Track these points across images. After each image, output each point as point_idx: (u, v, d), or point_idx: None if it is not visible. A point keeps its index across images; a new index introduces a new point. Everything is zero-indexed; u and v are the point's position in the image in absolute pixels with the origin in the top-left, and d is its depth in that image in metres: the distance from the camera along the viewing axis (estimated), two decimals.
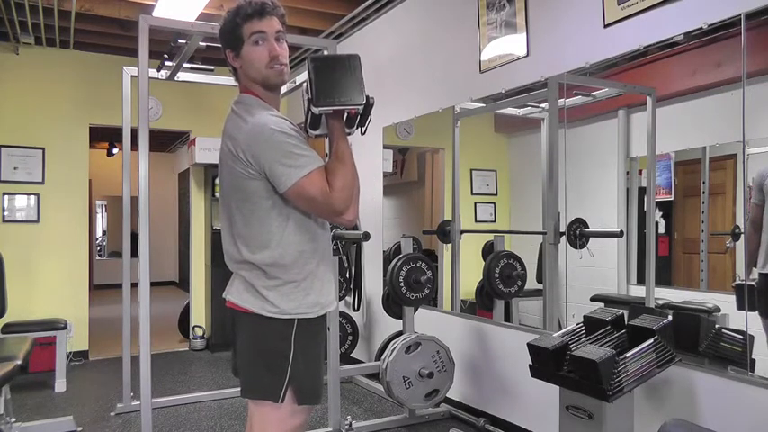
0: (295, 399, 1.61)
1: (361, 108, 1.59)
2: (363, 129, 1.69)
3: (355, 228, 4.47)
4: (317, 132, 1.71)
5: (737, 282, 2.44)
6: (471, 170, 4.01)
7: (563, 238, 3.00)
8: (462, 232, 3.82)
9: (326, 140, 3.41)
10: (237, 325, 1.67)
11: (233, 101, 1.71)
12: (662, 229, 2.88)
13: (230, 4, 4.83)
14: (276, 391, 1.59)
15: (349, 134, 1.68)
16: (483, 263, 3.52)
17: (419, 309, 3.74)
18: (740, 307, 2.29)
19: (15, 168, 4.99)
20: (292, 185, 1.54)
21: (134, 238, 3.65)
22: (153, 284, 2.90)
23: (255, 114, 1.60)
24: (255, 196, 1.59)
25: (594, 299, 2.99)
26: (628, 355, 2.04)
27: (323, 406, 3.40)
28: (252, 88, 1.69)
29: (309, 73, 1.58)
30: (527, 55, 3.10)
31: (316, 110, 1.57)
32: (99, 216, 10.98)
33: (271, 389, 1.59)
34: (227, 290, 1.71)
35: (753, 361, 2.18)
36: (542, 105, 3.31)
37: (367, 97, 1.59)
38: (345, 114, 1.62)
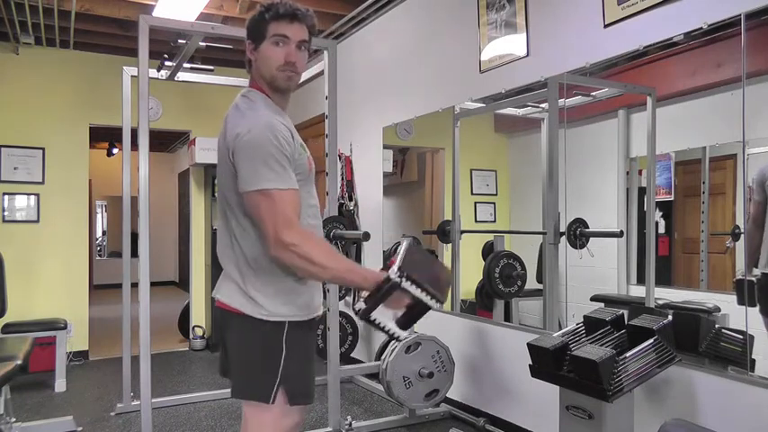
0: (286, 399, 1.61)
1: (383, 292, 1.48)
2: (362, 311, 1.52)
3: (355, 228, 4.48)
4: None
5: (738, 278, 2.44)
6: (471, 170, 4.01)
7: (563, 238, 3.00)
8: (462, 232, 3.82)
9: (326, 142, 3.41)
10: (228, 325, 1.66)
11: (240, 93, 1.70)
12: (662, 229, 2.88)
13: (230, 4, 4.81)
14: (267, 392, 1.59)
15: (358, 307, 1.53)
16: (483, 263, 3.52)
17: None
18: (740, 302, 2.29)
19: (15, 168, 4.99)
20: (255, 190, 1.50)
21: (134, 238, 3.65)
22: (153, 284, 2.90)
23: (256, 111, 1.59)
24: None
25: (594, 299, 2.98)
26: (628, 355, 2.04)
27: (323, 406, 3.41)
28: (261, 84, 1.69)
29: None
30: (527, 55, 3.10)
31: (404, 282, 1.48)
32: (99, 216, 10.98)
33: (262, 389, 1.59)
34: (216, 289, 1.70)
35: (753, 361, 2.18)
36: (542, 105, 3.31)
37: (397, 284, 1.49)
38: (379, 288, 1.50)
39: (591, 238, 3.03)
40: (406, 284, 1.48)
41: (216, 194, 5.63)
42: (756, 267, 2.33)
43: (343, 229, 3.52)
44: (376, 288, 1.49)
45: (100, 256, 10.86)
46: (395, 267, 1.48)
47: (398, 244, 3.84)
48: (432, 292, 1.51)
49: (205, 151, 5.41)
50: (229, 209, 1.63)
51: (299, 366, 1.63)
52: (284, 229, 1.48)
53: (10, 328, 4.25)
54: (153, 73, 3.69)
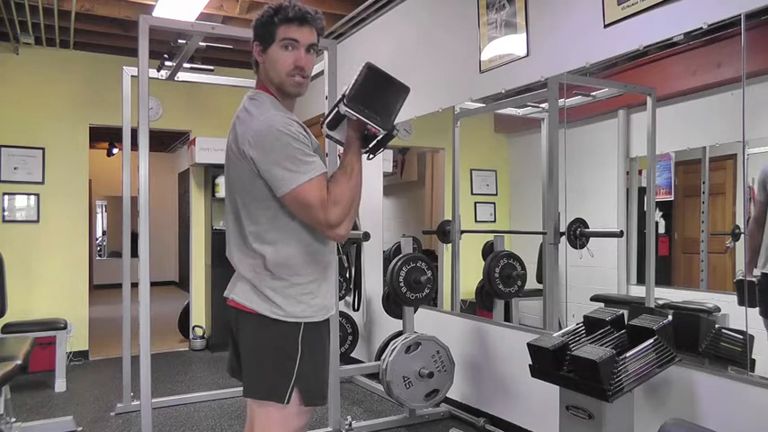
0: (301, 399, 1.61)
1: (381, 134, 1.60)
2: (373, 155, 1.71)
3: (355, 228, 4.48)
4: (332, 134, 1.70)
5: (738, 278, 2.44)
6: (471, 170, 4.01)
7: (563, 238, 3.00)
8: (462, 232, 3.82)
9: (326, 142, 3.41)
10: (241, 325, 1.66)
11: (247, 95, 1.69)
12: (662, 229, 2.88)
13: (230, 4, 4.79)
14: (282, 392, 1.58)
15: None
16: (483, 263, 3.52)
17: (419, 309, 3.74)
18: (741, 302, 2.30)
19: (15, 168, 4.99)
20: (291, 190, 1.52)
21: (134, 238, 3.64)
22: (153, 284, 2.90)
23: (266, 112, 1.58)
24: (262, 195, 1.57)
25: (594, 299, 2.99)
26: (628, 355, 2.04)
27: (323, 406, 3.41)
28: (268, 87, 1.68)
29: (359, 74, 1.58)
30: (527, 55, 3.10)
31: (343, 108, 1.56)
32: (99, 216, 10.98)
33: (277, 389, 1.59)
34: (229, 289, 1.70)
35: (753, 361, 2.18)
36: (542, 105, 3.31)
37: (393, 128, 1.61)
38: (365, 132, 1.62)
39: (591, 238, 3.03)
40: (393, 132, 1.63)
41: (215, 195, 5.67)
42: (756, 268, 2.34)
43: None
44: (367, 143, 1.66)
45: (100, 256, 10.86)
46: (380, 132, 1.59)
47: (398, 244, 3.83)
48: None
49: (205, 151, 5.40)
50: (245, 210, 1.62)
51: (313, 367, 1.63)
52: (326, 215, 1.53)
53: (10, 328, 4.25)
54: (153, 73, 3.69)
